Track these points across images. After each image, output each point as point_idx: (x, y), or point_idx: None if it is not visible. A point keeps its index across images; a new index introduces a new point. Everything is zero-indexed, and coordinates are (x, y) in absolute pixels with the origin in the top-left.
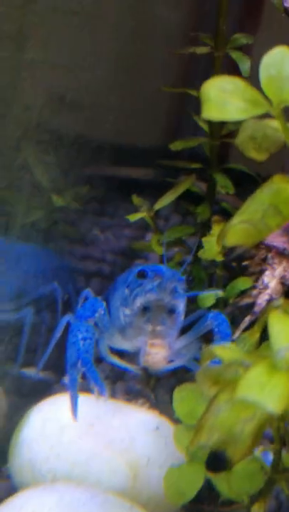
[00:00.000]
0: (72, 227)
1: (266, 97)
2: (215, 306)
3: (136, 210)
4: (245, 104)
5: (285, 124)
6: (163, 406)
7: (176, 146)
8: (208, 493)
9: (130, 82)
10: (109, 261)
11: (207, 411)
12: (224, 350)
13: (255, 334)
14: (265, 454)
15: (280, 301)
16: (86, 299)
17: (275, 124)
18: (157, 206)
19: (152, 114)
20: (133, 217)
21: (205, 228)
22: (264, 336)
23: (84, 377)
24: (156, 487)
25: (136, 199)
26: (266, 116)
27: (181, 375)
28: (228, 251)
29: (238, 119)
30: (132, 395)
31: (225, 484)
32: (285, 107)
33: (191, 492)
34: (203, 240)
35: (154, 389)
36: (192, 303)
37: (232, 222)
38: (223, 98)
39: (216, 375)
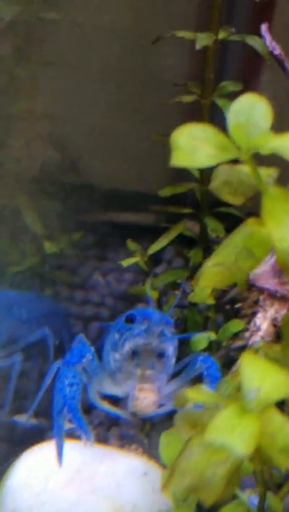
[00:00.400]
0: (68, 273)
1: (235, 144)
2: (208, 349)
3: (135, 254)
4: (214, 151)
5: (255, 169)
6: (156, 451)
7: (165, 192)
8: None
9: (127, 129)
10: (109, 305)
11: (180, 454)
12: (197, 394)
13: (236, 378)
14: (253, 498)
15: (260, 343)
16: (79, 343)
17: (247, 169)
18: (151, 250)
19: (151, 160)
20: (126, 263)
21: (197, 272)
22: None
23: (71, 422)
24: None
25: (131, 244)
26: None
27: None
28: (221, 294)
29: (207, 165)
30: (125, 441)
31: None
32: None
33: None
34: (192, 283)
35: (149, 434)
36: (187, 347)
37: (206, 265)
38: (193, 145)
39: (194, 419)
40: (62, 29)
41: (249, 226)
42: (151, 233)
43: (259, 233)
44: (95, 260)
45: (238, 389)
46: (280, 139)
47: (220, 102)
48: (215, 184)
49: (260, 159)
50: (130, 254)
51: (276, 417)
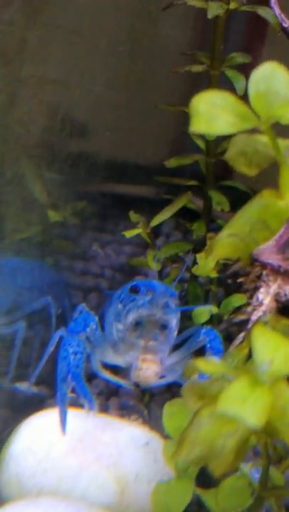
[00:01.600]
0: (70, 242)
1: (255, 113)
2: (209, 322)
3: (136, 226)
4: (234, 119)
5: (274, 139)
6: (155, 422)
7: (171, 163)
8: (197, 509)
9: (132, 99)
10: (108, 277)
11: (189, 425)
12: (207, 364)
13: (244, 350)
14: (254, 471)
15: (268, 316)
16: (81, 313)
17: (265, 139)
18: (153, 223)
19: (154, 132)
20: (129, 234)
21: (200, 245)
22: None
23: (74, 391)
24: (143, 503)
25: (133, 215)
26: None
27: (175, 391)
28: (223, 268)
29: (226, 133)
30: (125, 411)
31: (213, 500)
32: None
33: (179, 508)
34: (198, 256)
35: (148, 405)
36: (188, 320)
37: (220, 236)
38: (212, 112)
39: (202, 390)
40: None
41: (264, 197)
42: (151, 206)
43: (275, 205)
44: (96, 231)
45: (245, 361)
46: None
47: (229, 73)
48: (230, 153)
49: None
50: (130, 226)
51: (287, 391)
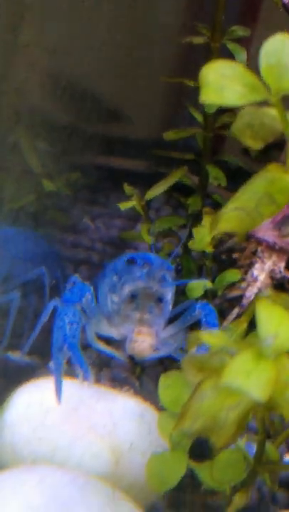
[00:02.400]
0: (62, 214)
1: (265, 85)
2: (203, 297)
3: (127, 200)
4: (243, 90)
5: (283, 112)
6: (147, 394)
7: (170, 136)
8: (190, 481)
9: (129, 72)
10: (99, 250)
11: (192, 397)
12: (211, 337)
13: (242, 324)
14: (248, 446)
15: (269, 291)
16: (74, 284)
17: (273, 112)
18: (148, 195)
19: (148, 105)
20: (124, 206)
21: (196, 219)
22: (251, 327)
23: (69, 362)
24: (138, 473)
25: (127, 188)
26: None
27: (167, 364)
28: (218, 243)
29: (235, 104)
30: (117, 382)
31: (207, 473)
32: (284, 95)
33: (173, 480)
34: (194, 230)
35: (140, 377)
36: (181, 295)
37: (225, 209)
38: (221, 83)
39: (202, 363)
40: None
41: (271, 172)
42: (143, 180)
43: (281, 179)
44: (87, 204)
45: (243, 336)
46: None
47: (230, 45)
48: (237, 126)
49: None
50: (122, 200)
51: None
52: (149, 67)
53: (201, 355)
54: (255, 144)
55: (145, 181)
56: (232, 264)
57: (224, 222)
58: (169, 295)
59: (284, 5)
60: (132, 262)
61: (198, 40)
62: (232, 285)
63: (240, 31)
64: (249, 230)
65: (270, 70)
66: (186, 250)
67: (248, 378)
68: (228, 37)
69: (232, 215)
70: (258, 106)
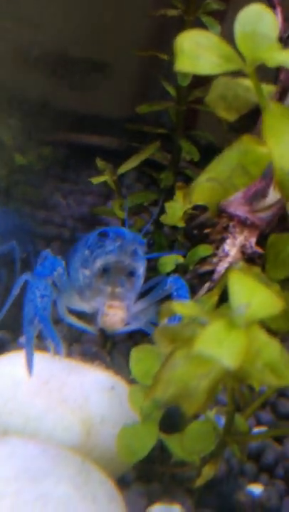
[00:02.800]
0: (33, 189)
1: (240, 55)
2: (175, 272)
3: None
4: (218, 59)
5: (258, 82)
6: (118, 368)
7: (142, 109)
8: (160, 453)
9: (99, 45)
10: (70, 226)
11: (163, 366)
12: (183, 307)
13: (214, 297)
14: (218, 418)
15: (241, 264)
16: (45, 258)
17: (246, 83)
18: (121, 170)
19: (120, 80)
20: (96, 180)
21: (168, 194)
22: (222, 301)
23: (40, 336)
24: (108, 445)
25: (100, 163)
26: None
27: (137, 339)
28: (190, 218)
29: (210, 73)
30: (88, 357)
31: (177, 444)
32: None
33: (143, 451)
34: (166, 205)
35: (110, 352)
36: (153, 270)
37: (199, 180)
38: (197, 51)
39: (174, 334)
40: None
41: (245, 143)
42: (115, 156)
43: (255, 151)
44: (58, 181)
45: (215, 308)
46: (287, 52)
47: (205, 18)
48: (211, 97)
49: None
50: (94, 176)
51: (261, 334)
52: (122, 40)
53: (173, 326)
54: (229, 116)
55: (118, 158)
56: (204, 239)
57: (197, 193)
58: (141, 269)
59: None
60: (103, 235)
61: (172, 12)
62: (203, 260)
63: (214, 5)
64: (222, 201)
65: (245, 40)
66: (158, 225)
67: (219, 346)
68: (203, 10)
69: (205, 186)
70: (231, 77)
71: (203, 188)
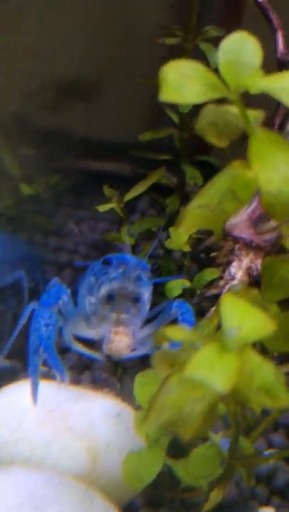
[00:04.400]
0: (43, 218)
1: (225, 83)
2: (182, 296)
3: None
4: (203, 88)
5: (243, 109)
6: (128, 394)
7: (145, 137)
8: (169, 479)
9: (107, 74)
10: (82, 253)
11: (158, 391)
12: (176, 332)
13: (214, 320)
14: (225, 442)
15: (239, 286)
16: (51, 287)
17: (235, 109)
18: (127, 197)
19: (129, 108)
20: (102, 208)
21: (174, 219)
22: None
23: (46, 364)
24: (115, 472)
25: (107, 190)
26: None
27: (148, 364)
28: (196, 242)
29: (195, 102)
30: (98, 384)
31: (184, 469)
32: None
33: (149, 477)
34: (171, 230)
35: (121, 378)
36: (161, 296)
37: (190, 206)
38: (181, 81)
39: (172, 359)
40: None
41: (234, 168)
42: (128, 183)
43: (244, 175)
44: (70, 208)
45: (216, 331)
46: (270, 79)
47: (203, 45)
48: (201, 124)
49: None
50: (106, 203)
51: (254, 357)
52: (128, 68)
53: (172, 350)
54: (220, 142)
55: (130, 184)
56: (211, 263)
57: (189, 219)
58: (146, 295)
59: (258, 4)
60: (107, 262)
61: (170, 40)
62: (211, 283)
63: (213, 31)
64: (216, 228)
65: (228, 68)
66: (167, 251)
67: (211, 370)
68: (202, 37)
69: (196, 212)
70: (220, 104)
71: (194, 215)
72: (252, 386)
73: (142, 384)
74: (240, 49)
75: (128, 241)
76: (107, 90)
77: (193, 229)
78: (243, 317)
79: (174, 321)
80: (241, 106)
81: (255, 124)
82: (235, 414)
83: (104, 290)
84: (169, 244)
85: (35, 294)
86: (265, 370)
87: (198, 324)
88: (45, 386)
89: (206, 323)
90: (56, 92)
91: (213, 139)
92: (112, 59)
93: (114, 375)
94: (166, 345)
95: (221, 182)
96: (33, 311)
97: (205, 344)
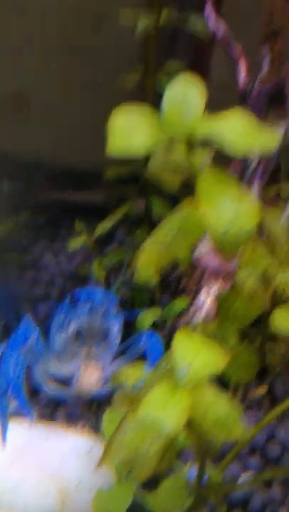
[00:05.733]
0: (17, 254)
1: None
2: (154, 327)
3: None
4: (149, 136)
5: (187, 154)
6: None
7: (110, 173)
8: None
9: (79, 107)
10: (59, 285)
11: (116, 430)
12: (131, 371)
13: (171, 357)
14: (193, 470)
15: (199, 321)
16: (20, 327)
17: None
18: (97, 232)
19: (102, 138)
20: (73, 245)
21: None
22: None
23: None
24: (85, 509)
25: (77, 225)
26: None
27: None
28: (170, 270)
29: (142, 151)
30: (72, 420)
31: (154, 502)
32: None
33: None
34: (133, 262)
35: (96, 413)
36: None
37: (146, 244)
38: (128, 131)
39: (132, 397)
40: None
41: (185, 208)
42: (104, 213)
43: (194, 214)
44: (45, 240)
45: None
46: (212, 123)
47: (164, 80)
48: (153, 166)
49: None
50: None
51: (208, 392)
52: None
53: (133, 389)
54: (174, 179)
55: (105, 214)
56: (182, 291)
57: (144, 256)
58: (115, 328)
59: (217, 38)
60: (75, 298)
61: (131, 77)
62: (182, 313)
63: (175, 65)
64: (168, 263)
65: (173, 112)
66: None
67: (163, 410)
68: (164, 72)
69: (151, 250)
70: (169, 145)
71: (149, 252)
72: (207, 421)
73: (110, 421)
74: (184, 94)
75: (98, 274)
76: (78, 123)
77: (148, 266)
78: (195, 354)
79: (145, 354)
80: (186, 150)
81: (203, 164)
82: (199, 446)
83: (72, 326)
84: (137, 276)
85: (6, 332)
86: (219, 406)
87: (161, 358)
88: (15, 425)
89: (168, 358)
90: (27, 128)
91: (168, 177)
92: (80, 93)
93: (89, 410)
94: (131, 382)
95: (173, 221)
96: (3, 353)
97: (159, 382)
